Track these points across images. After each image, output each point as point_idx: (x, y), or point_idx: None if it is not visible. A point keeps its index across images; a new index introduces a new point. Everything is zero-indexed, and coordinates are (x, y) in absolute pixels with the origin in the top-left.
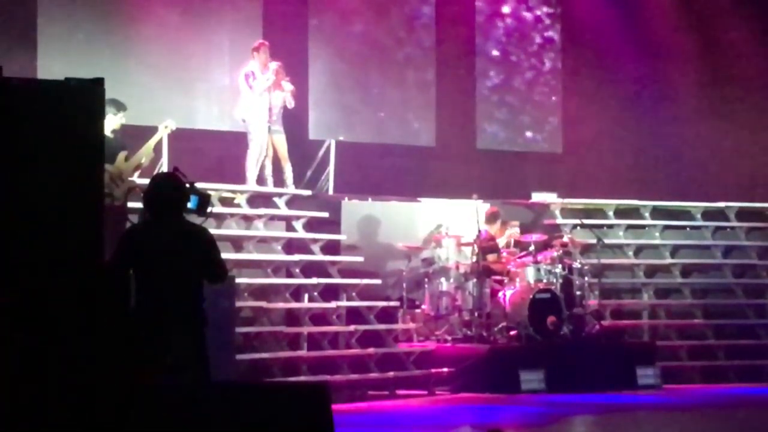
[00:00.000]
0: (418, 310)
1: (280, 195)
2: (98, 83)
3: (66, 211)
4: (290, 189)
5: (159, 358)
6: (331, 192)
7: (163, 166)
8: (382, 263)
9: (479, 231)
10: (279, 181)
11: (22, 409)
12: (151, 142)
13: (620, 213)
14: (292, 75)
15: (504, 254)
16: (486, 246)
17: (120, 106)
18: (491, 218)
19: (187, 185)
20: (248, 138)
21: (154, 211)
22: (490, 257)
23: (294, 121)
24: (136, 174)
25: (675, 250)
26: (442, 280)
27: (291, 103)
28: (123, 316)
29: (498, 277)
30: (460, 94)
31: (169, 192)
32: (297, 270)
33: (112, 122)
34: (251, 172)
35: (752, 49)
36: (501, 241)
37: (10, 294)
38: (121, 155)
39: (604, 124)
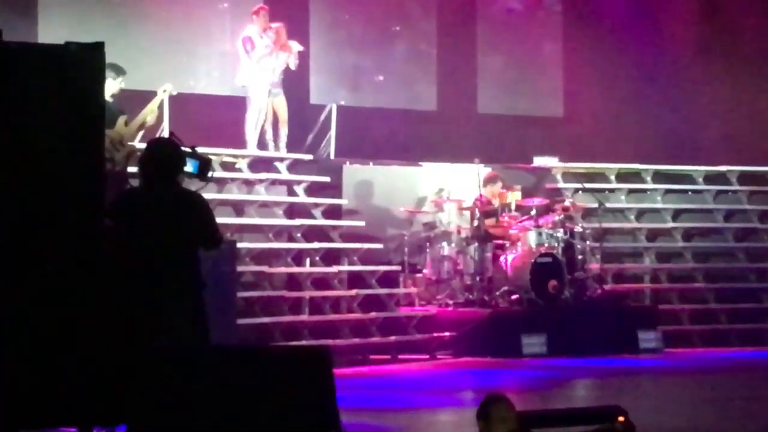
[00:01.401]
0: (419, 275)
1: (282, 159)
2: (98, 47)
3: (67, 175)
4: (282, 152)
5: (158, 322)
6: (332, 156)
7: (164, 131)
8: (383, 228)
9: (479, 195)
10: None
11: (19, 373)
12: (151, 106)
13: (622, 177)
14: (293, 39)
15: (505, 218)
16: (483, 210)
17: (119, 71)
18: (488, 181)
19: (189, 150)
20: (247, 102)
21: (148, 176)
22: (488, 221)
23: (295, 86)
24: (138, 138)
25: (676, 214)
26: (444, 244)
27: (294, 65)
28: (123, 280)
29: (499, 242)
30: (462, 58)
31: (163, 157)
32: (298, 234)
33: (111, 87)
34: (250, 136)
35: (754, 12)
36: (503, 207)
37: (10, 259)
38: (121, 119)
39: (606, 88)
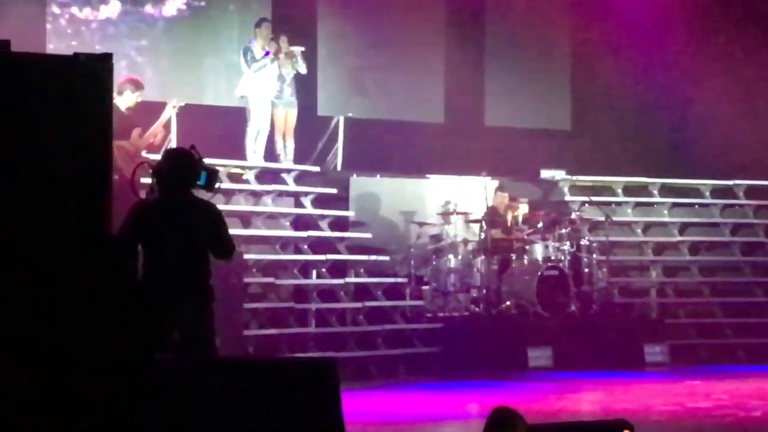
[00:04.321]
0: (425, 287)
1: (289, 171)
2: (107, 58)
3: (74, 186)
4: (289, 164)
5: (166, 333)
6: (339, 168)
7: (172, 143)
8: (389, 240)
9: (488, 208)
10: (274, 154)
11: (25, 384)
12: (161, 120)
13: (629, 190)
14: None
15: (513, 231)
16: (490, 222)
17: (138, 85)
18: (495, 191)
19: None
20: (246, 114)
21: (166, 187)
22: (494, 231)
23: (302, 98)
24: (145, 150)
25: (683, 228)
26: (450, 256)
27: (303, 68)
28: (130, 291)
29: (506, 254)
30: (469, 71)
31: (183, 168)
32: (305, 246)
33: (129, 100)
34: (250, 147)
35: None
36: (510, 220)
37: (17, 268)
38: (136, 131)
39: (614, 102)
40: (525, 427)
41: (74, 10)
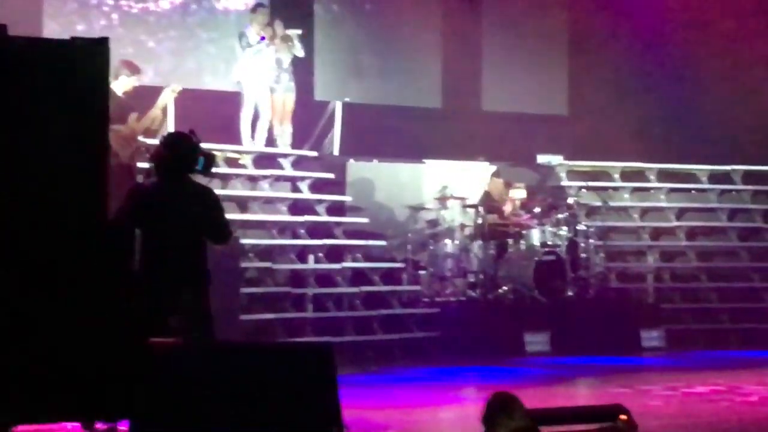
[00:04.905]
0: (422, 272)
1: (286, 156)
2: (103, 42)
3: (71, 169)
4: (286, 149)
5: (163, 317)
6: (336, 153)
7: (170, 127)
8: (386, 225)
9: (484, 193)
10: (271, 139)
11: (24, 366)
12: (159, 104)
13: (626, 175)
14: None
15: (509, 215)
16: (487, 206)
17: (134, 69)
18: (491, 176)
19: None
20: (241, 99)
21: (164, 171)
22: (490, 217)
23: (300, 83)
24: (141, 135)
25: (680, 213)
26: (447, 241)
27: (300, 51)
28: (127, 274)
29: (503, 240)
30: (467, 56)
31: (182, 152)
32: (302, 231)
33: (125, 84)
34: (245, 132)
35: (761, 12)
36: (507, 205)
37: (14, 252)
38: (133, 116)
39: (611, 87)
40: (523, 412)
41: None
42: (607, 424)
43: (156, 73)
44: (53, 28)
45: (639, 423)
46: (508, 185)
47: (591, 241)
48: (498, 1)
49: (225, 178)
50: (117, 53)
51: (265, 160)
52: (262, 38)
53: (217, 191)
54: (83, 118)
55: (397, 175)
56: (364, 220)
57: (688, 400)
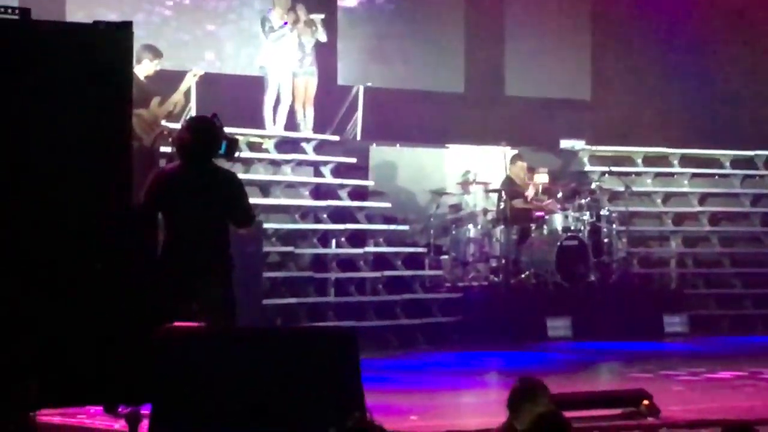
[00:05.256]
0: (445, 257)
1: (308, 140)
2: (126, 26)
3: (94, 153)
4: (308, 133)
5: (186, 302)
6: (359, 138)
7: (192, 112)
8: (409, 209)
9: (506, 177)
10: (294, 123)
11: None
12: (181, 88)
13: (648, 160)
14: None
15: (532, 200)
16: (510, 191)
17: (156, 53)
18: (512, 161)
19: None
20: (264, 83)
21: (187, 155)
22: (514, 202)
23: (323, 67)
24: (164, 119)
25: (703, 198)
26: (470, 226)
27: (323, 36)
28: (150, 259)
29: (525, 224)
30: (490, 41)
31: (205, 137)
32: (324, 215)
33: (147, 68)
34: (268, 117)
35: None
36: (530, 190)
37: (38, 235)
38: (155, 100)
39: (634, 72)
40: (548, 398)
41: None
42: (630, 409)
43: (178, 57)
44: (74, 11)
45: (661, 408)
46: (531, 170)
47: (613, 226)
48: None
49: (247, 163)
50: (139, 37)
51: (287, 144)
52: (285, 23)
53: (240, 175)
54: (106, 102)
55: (419, 159)
56: (387, 204)
57: (711, 385)
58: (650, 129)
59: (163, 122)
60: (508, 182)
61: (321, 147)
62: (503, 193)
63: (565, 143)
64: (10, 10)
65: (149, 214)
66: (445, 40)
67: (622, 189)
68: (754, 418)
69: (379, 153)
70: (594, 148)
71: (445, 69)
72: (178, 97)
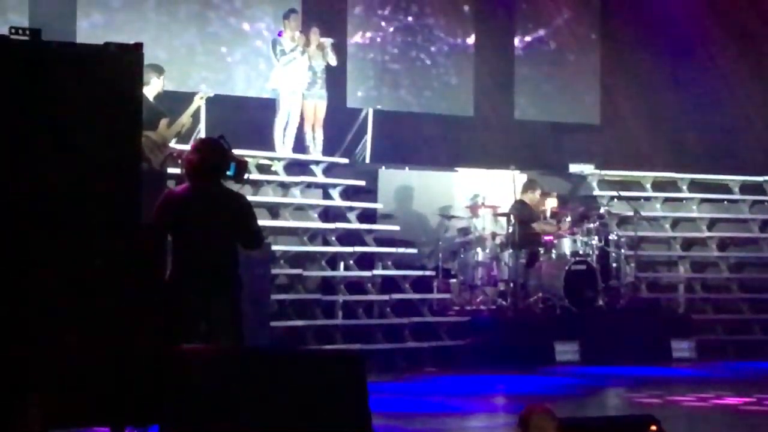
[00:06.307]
0: (453, 280)
1: (317, 162)
2: (137, 48)
3: (104, 174)
4: (318, 155)
5: (194, 323)
6: (368, 160)
7: (201, 133)
8: (417, 232)
9: (516, 201)
10: (303, 146)
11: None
12: (190, 110)
13: (657, 185)
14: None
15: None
16: (526, 214)
17: (160, 70)
18: (527, 188)
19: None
20: (276, 106)
21: (196, 177)
22: (523, 226)
23: (332, 90)
24: (173, 140)
25: (712, 224)
26: (478, 250)
27: (333, 60)
28: (158, 280)
29: (534, 248)
30: (499, 64)
31: (213, 158)
32: (333, 238)
33: (155, 87)
34: (278, 140)
35: None
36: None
37: (47, 256)
38: (164, 122)
39: (643, 96)
40: (556, 422)
41: None
42: None
43: (186, 78)
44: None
45: None
46: (545, 194)
47: (622, 250)
48: (530, 11)
49: (256, 185)
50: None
51: (296, 166)
52: (280, 33)
53: (249, 197)
54: (116, 124)
55: (428, 182)
56: (395, 227)
57: (719, 411)
58: (659, 154)
59: (172, 144)
60: (520, 206)
61: (330, 169)
62: (512, 217)
63: (574, 167)
64: (21, 31)
65: (159, 235)
66: (454, 63)
67: (631, 213)
68: None
69: (388, 176)
70: (603, 172)
71: (454, 92)
72: (186, 118)
